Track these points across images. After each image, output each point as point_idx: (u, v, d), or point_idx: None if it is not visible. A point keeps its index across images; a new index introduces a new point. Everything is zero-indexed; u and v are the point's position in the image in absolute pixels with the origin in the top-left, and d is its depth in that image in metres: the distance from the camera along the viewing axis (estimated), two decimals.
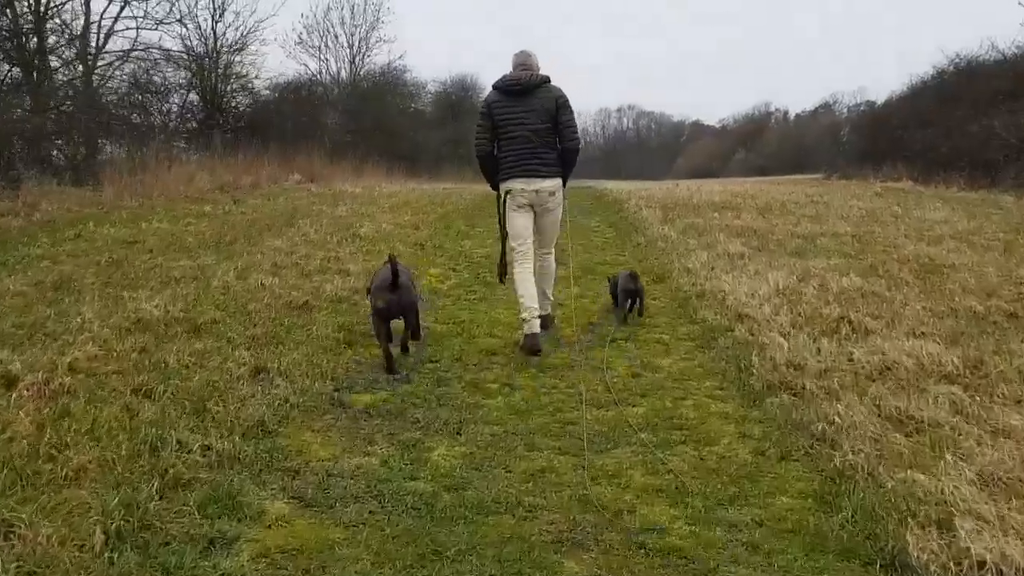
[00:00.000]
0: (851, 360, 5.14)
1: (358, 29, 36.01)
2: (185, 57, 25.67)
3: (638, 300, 6.46)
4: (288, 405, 4.25)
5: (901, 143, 27.38)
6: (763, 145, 69.49)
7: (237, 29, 27.85)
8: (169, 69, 24.66)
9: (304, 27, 41.16)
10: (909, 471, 3.56)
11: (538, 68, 5.78)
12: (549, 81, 5.66)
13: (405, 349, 5.38)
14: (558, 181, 5.74)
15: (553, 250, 6.07)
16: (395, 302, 4.96)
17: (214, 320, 5.85)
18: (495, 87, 5.72)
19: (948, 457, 3.68)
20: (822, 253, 9.05)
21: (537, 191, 5.66)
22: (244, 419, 3.96)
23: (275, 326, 5.73)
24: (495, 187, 5.85)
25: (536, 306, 5.60)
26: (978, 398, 4.48)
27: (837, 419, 4.08)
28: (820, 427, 4.01)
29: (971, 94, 24.76)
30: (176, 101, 26.00)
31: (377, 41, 36.10)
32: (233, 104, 26.90)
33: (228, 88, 27.25)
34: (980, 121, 23.38)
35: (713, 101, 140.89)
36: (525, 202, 5.68)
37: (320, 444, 3.87)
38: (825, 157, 64.35)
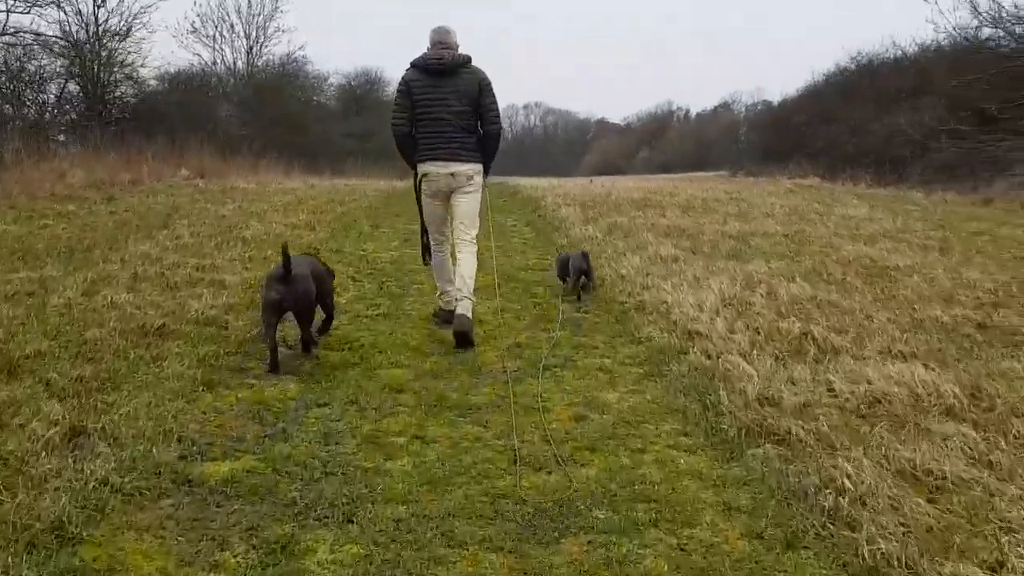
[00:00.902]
0: (832, 391, 4.24)
1: (255, 18, 34.02)
2: (62, 43, 23.38)
3: (589, 279, 6.58)
4: (107, 489, 2.98)
5: (804, 140, 27.45)
6: (666, 143, 70.26)
7: (121, 15, 25.57)
8: (45, 57, 22.42)
9: (198, 15, 38.75)
10: (957, 561, 2.64)
11: (457, 46, 5.43)
12: (471, 61, 5.38)
13: (308, 348, 4.85)
14: (477, 166, 5.47)
15: (475, 242, 5.52)
16: (287, 294, 4.48)
17: (38, 353, 4.49)
18: (414, 65, 5.37)
19: (1000, 535, 2.78)
20: (758, 255, 8.24)
21: (454, 174, 5.38)
22: (35, 518, 2.71)
23: (116, 361, 4.40)
24: (412, 166, 5.55)
25: (451, 288, 5.52)
26: (994, 439, 3.63)
27: (847, 483, 3.12)
28: (830, 498, 3.04)
29: (873, 92, 24.93)
30: (54, 91, 23.73)
31: (275, 31, 34.14)
32: (117, 95, 24.64)
33: (111, 78, 24.99)
34: (883, 119, 23.50)
35: (616, 100, 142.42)
36: (441, 187, 5.45)
37: (145, 553, 2.64)
38: (725, 155, 65.91)
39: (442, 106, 5.28)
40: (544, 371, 4.64)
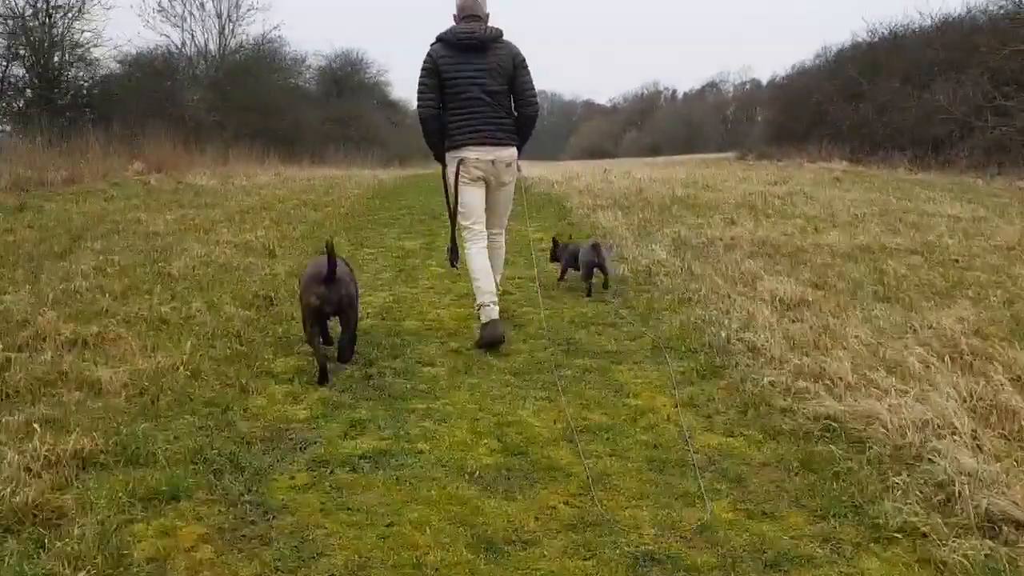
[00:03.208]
0: None
1: None
2: (5, 19, 20.26)
3: (605, 273, 5.79)
4: None
5: (824, 120, 24.72)
6: (654, 124, 67.57)
7: None
8: None
9: None
10: None
11: (488, 16, 4.77)
12: (503, 35, 4.71)
13: (344, 358, 4.08)
14: (515, 151, 4.85)
15: (504, 232, 5.14)
16: (331, 298, 3.91)
17: None
18: (441, 39, 4.68)
19: None
20: (923, 292, 5.53)
21: (494, 161, 4.74)
22: None
23: None
24: (440, 157, 4.88)
25: (494, 290, 4.67)
26: None
27: None
28: None
29: (903, 66, 22.17)
30: None
31: (249, 9, 31.02)
32: (67, 78, 21.49)
33: (63, 59, 21.82)
34: (918, 95, 20.77)
35: (601, 80, 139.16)
36: (480, 174, 4.76)
37: None
38: (714, 135, 63.33)
39: (477, 86, 4.65)
40: None
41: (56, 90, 21.17)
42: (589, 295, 5.67)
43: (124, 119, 20.01)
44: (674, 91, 76.76)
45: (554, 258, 6.27)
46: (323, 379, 3.87)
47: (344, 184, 14.47)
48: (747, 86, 67.83)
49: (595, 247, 5.69)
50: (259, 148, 23.70)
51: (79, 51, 21.31)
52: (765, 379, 3.82)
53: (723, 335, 4.48)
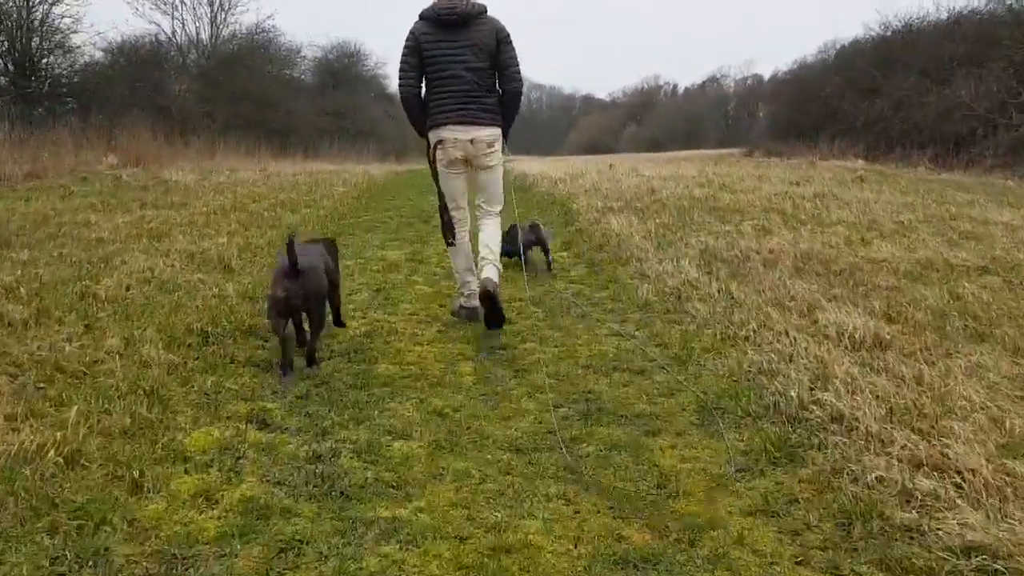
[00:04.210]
0: None
1: None
2: None
3: (547, 254, 6.04)
4: None
5: (836, 115, 23.58)
6: (653, 119, 66.42)
7: None
8: None
9: None
10: None
11: None
12: (486, 11, 4.54)
13: (312, 361, 3.85)
14: (497, 131, 4.60)
15: (499, 215, 4.79)
16: (296, 291, 3.72)
17: None
18: (423, 16, 4.52)
19: None
20: None
21: (473, 140, 4.51)
22: None
23: None
24: (423, 134, 4.68)
25: (472, 268, 4.70)
26: None
27: None
28: None
29: (921, 60, 21.02)
30: None
31: None
32: (44, 65, 20.27)
33: (42, 47, 20.60)
34: (937, 90, 19.63)
35: (600, 74, 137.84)
36: (459, 155, 4.56)
37: None
38: (714, 131, 62.20)
39: (457, 63, 4.44)
40: None
41: (33, 78, 19.96)
42: (525, 271, 5.52)
43: (104, 109, 18.87)
44: (675, 86, 75.66)
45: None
46: (285, 369, 3.73)
47: (331, 181, 13.31)
48: (748, 81, 66.74)
49: (533, 227, 5.99)
50: (250, 141, 22.55)
51: (58, 37, 20.07)
52: (869, 473, 2.70)
53: (792, 394, 3.35)
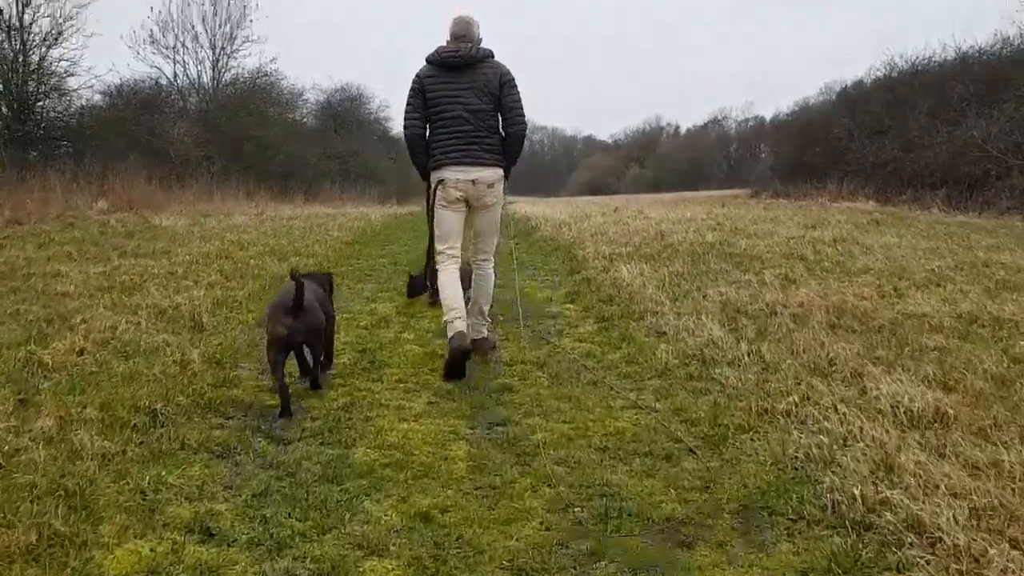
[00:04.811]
0: None
1: (221, 27, 29.43)
2: None
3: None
4: None
5: (844, 156, 23.15)
6: (656, 160, 66.43)
7: (49, 17, 20.42)
8: None
9: (156, 24, 33.35)
10: None
11: (479, 40, 4.64)
12: (493, 56, 4.60)
13: (316, 385, 4.06)
14: (499, 172, 4.63)
15: (492, 257, 4.83)
16: (297, 328, 3.76)
17: None
18: (429, 60, 4.60)
19: None
20: None
21: (475, 181, 4.54)
22: None
23: None
24: (425, 176, 4.72)
25: (462, 307, 4.47)
26: None
27: None
28: None
29: (930, 100, 20.65)
30: None
31: (244, 41, 29.59)
32: (40, 108, 19.93)
33: (38, 90, 20.28)
34: (949, 131, 19.20)
35: (602, 117, 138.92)
36: (459, 195, 4.56)
37: None
38: (716, 172, 62.10)
39: (460, 104, 4.50)
40: None
41: (28, 121, 19.63)
42: (432, 305, 5.43)
43: (100, 153, 18.48)
44: (676, 127, 75.87)
45: (413, 293, 6.31)
46: (285, 412, 3.69)
47: (327, 225, 12.81)
48: (750, 123, 66.82)
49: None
50: (250, 185, 22.15)
51: (54, 80, 19.78)
52: None
53: (855, 491, 2.74)
